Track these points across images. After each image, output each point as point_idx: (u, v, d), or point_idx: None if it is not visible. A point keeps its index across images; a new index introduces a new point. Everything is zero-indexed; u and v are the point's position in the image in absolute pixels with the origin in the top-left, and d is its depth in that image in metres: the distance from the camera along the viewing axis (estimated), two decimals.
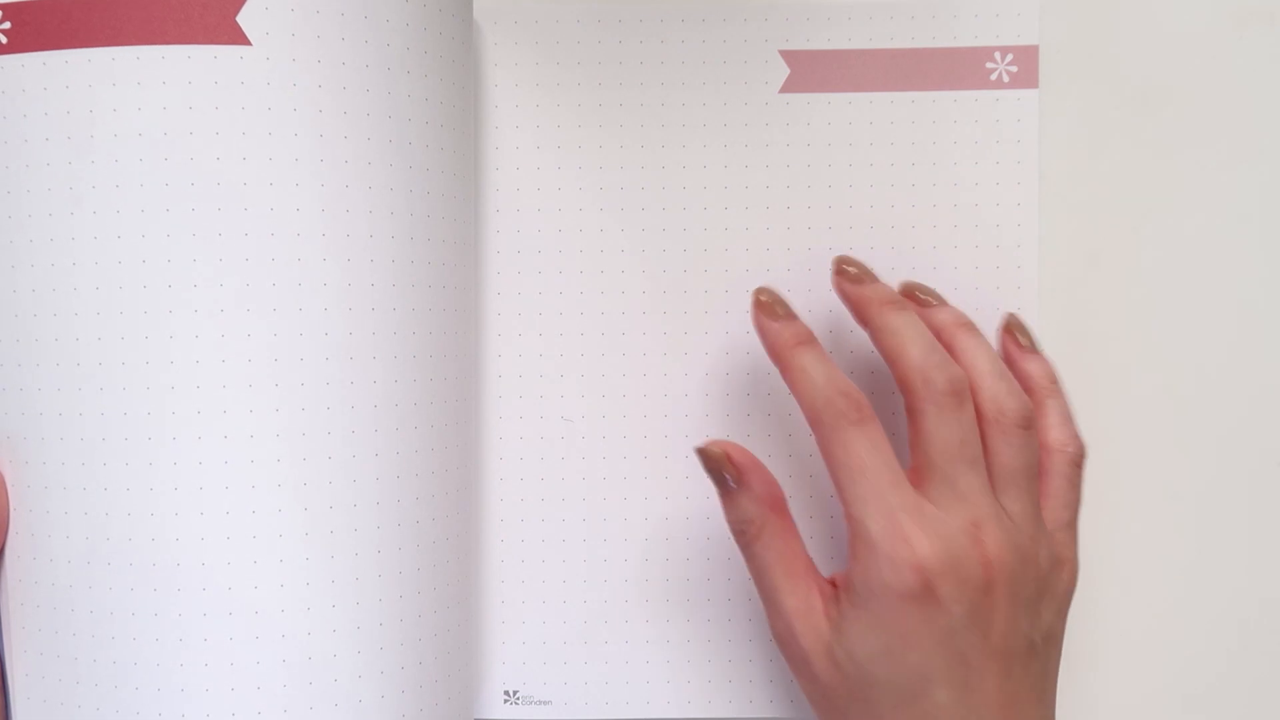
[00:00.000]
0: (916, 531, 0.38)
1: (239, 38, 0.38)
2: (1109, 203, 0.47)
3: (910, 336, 0.41)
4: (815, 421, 0.40)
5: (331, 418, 0.39)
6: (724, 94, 0.47)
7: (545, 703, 0.47)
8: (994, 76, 0.47)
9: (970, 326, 0.43)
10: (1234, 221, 0.47)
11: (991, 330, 0.45)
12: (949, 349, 0.42)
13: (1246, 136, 0.47)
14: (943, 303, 0.44)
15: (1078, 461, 0.42)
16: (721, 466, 0.41)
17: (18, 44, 0.39)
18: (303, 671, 0.39)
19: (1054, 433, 0.42)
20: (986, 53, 0.47)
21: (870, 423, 0.40)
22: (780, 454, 0.47)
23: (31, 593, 0.40)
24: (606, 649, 0.47)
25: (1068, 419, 0.43)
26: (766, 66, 0.47)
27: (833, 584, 0.41)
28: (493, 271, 0.47)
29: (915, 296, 0.44)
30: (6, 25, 0.39)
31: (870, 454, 0.39)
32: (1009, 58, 0.47)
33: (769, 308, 0.42)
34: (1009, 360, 0.44)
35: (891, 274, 0.46)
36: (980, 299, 0.47)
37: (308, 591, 0.39)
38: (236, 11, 0.38)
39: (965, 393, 0.40)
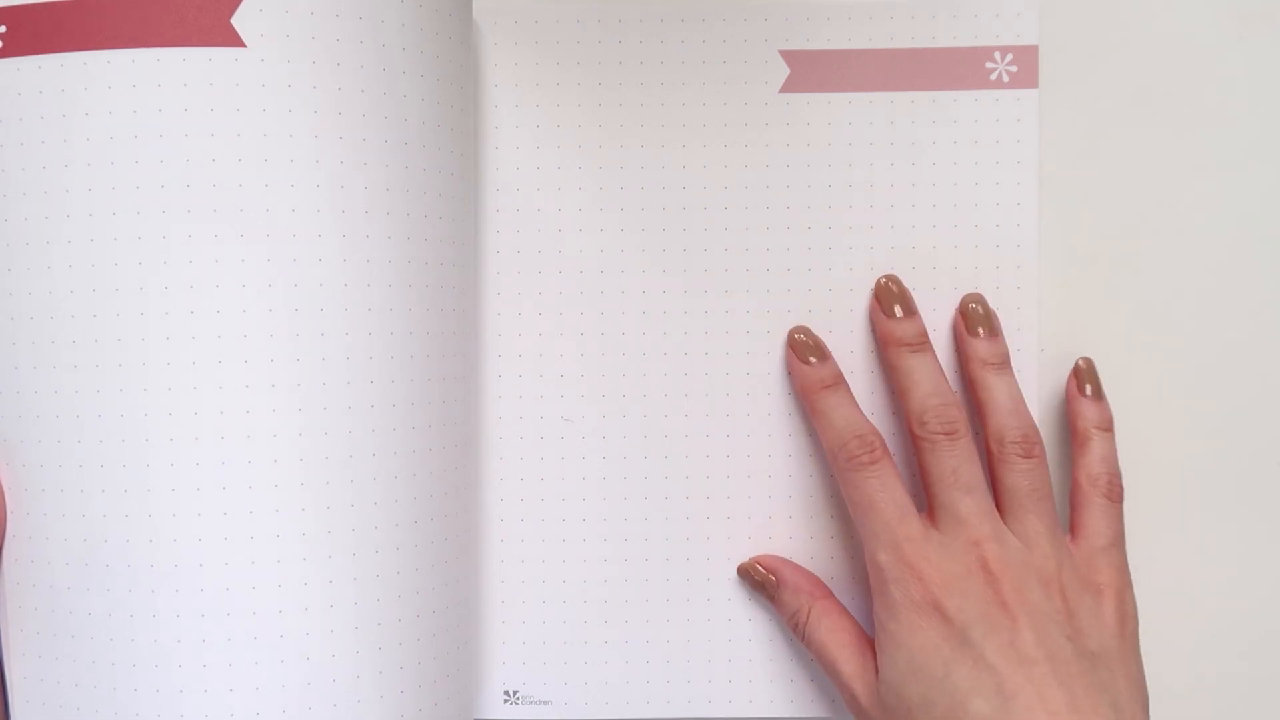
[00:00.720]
0: (918, 556, 0.42)
1: (234, 40, 0.38)
2: (1109, 203, 0.47)
3: (916, 379, 0.45)
4: (832, 462, 0.45)
5: (328, 418, 0.39)
6: (724, 94, 0.47)
7: (545, 703, 0.47)
8: (994, 76, 0.47)
9: (998, 365, 0.45)
10: (1234, 221, 0.47)
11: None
12: (972, 382, 0.45)
13: (1247, 136, 0.47)
14: (990, 333, 0.45)
15: (1110, 494, 0.44)
16: (755, 574, 0.46)
17: (13, 47, 0.39)
18: (301, 672, 0.39)
19: (1089, 469, 0.44)
20: (986, 53, 0.47)
21: (880, 463, 0.44)
22: (780, 453, 0.47)
23: (30, 595, 0.40)
24: (606, 649, 0.47)
25: (1106, 458, 0.45)
26: (766, 66, 0.47)
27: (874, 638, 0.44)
28: (493, 271, 0.47)
29: (965, 323, 0.46)
30: (2, 29, 0.39)
31: (878, 492, 0.43)
32: (1009, 58, 0.46)
33: (801, 349, 0.46)
34: (1068, 398, 0.46)
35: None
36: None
37: (305, 592, 0.39)
38: (231, 14, 0.38)
39: (959, 430, 0.43)
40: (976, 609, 0.40)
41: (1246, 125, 0.47)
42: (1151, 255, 0.47)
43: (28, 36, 0.39)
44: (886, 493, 0.43)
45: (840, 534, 0.47)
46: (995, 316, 0.46)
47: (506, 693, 0.47)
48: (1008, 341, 0.46)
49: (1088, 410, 0.45)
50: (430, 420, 0.42)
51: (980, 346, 0.45)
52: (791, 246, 0.47)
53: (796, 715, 0.47)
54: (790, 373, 0.46)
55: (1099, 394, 0.46)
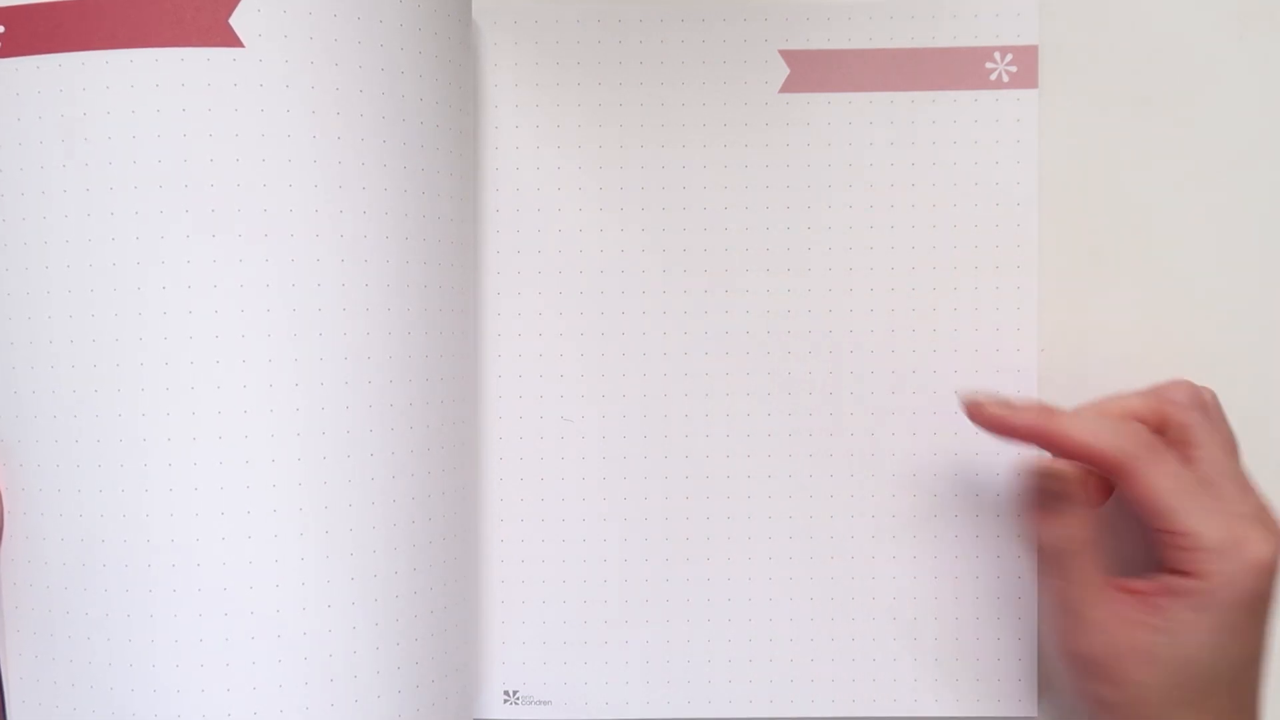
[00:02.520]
0: (1251, 534, 0.41)
1: (231, 40, 0.38)
2: (1109, 203, 0.47)
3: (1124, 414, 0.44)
4: (1115, 468, 0.42)
5: (327, 418, 0.39)
6: (724, 94, 0.47)
7: (545, 703, 0.47)
8: (994, 76, 0.46)
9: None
10: (1234, 221, 0.47)
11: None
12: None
13: (1247, 137, 0.47)
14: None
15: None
16: (1063, 486, 0.44)
17: (11, 48, 0.39)
18: (299, 672, 0.39)
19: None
20: (986, 53, 0.46)
21: (1163, 449, 0.42)
22: (780, 452, 0.47)
23: (26, 595, 0.40)
24: (606, 649, 0.47)
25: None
26: (766, 66, 0.47)
27: (1132, 590, 0.43)
28: (493, 271, 0.47)
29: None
30: (0, 29, 0.39)
31: (1179, 478, 0.42)
32: (1009, 58, 0.46)
33: (998, 416, 0.43)
34: None
35: (891, 273, 0.47)
36: (980, 299, 0.46)
37: (303, 592, 0.39)
38: (229, 14, 0.38)
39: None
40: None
41: (1246, 125, 0.47)
42: (1152, 255, 0.47)
43: (26, 36, 0.39)
44: (1186, 477, 0.42)
45: (840, 534, 0.47)
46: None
47: (506, 693, 0.47)
48: (1007, 341, 0.46)
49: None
50: (429, 420, 0.42)
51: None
52: (792, 246, 0.47)
53: (796, 715, 0.47)
54: (1009, 433, 0.43)
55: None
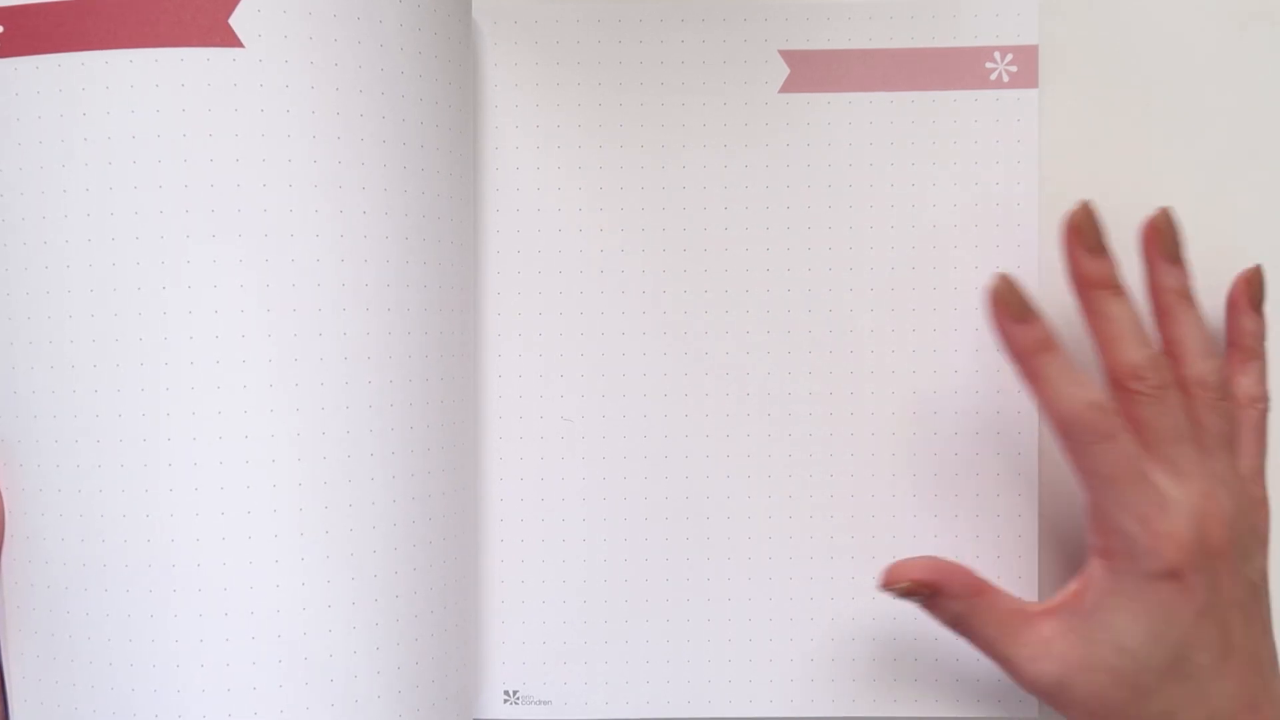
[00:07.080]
0: (1167, 523, 0.40)
1: (231, 40, 0.38)
2: (1109, 203, 0.47)
3: (1123, 329, 0.42)
4: (1064, 434, 0.42)
5: (327, 418, 0.39)
6: (724, 94, 0.47)
7: (545, 703, 0.47)
8: (994, 76, 0.47)
9: (1187, 297, 0.44)
10: (1234, 222, 0.47)
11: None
12: (1162, 314, 0.44)
13: (1247, 136, 0.47)
14: (1176, 260, 0.44)
15: (1265, 414, 0.45)
16: (914, 593, 0.43)
17: (10, 48, 0.39)
18: (299, 672, 0.39)
19: (1248, 389, 0.44)
20: (986, 53, 0.47)
21: (1120, 434, 0.41)
22: (780, 453, 0.47)
23: (28, 595, 0.40)
24: (606, 649, 0.47)
25: (1262, 377, 0.45)
26: (766, 66, 0.47)
27: (1056, 607, 0.43)
28: (493, 271, 0.47)
29: (1153, 252, 0.44)
30: None
31: (1121, 465, 0.41)
32: (1009, 58, 0.46)
33: (1009, 307, 0.42)
34: (1232, 307, 0.46)
35: (891, 273, 0.47)
36: (980, 299, 0.46)
37: (304, 592, 0.39)
38: (229, 14, 0.38)
39: (1170, 381, 0.42)
40: (1211, 565, 0.41)
41: (1246, 125, 0.47)
42: None
43: (25, 36, 0.39)
44: (1129, 464, 0.41)
45: (840, 533, 0.47)
46: (1175, 238, 0.44)
47: (506, 693, 0.47)
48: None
49: (1249, 324, 0.45)
50: (429, 420, 0.42)
51: (1167, 277, 0.44)
52: (792, 246, 0.47)
53: (796, 715, 0.47)
54: (1000, 334, 0.43)
55: (1259, 305, 0.45)
